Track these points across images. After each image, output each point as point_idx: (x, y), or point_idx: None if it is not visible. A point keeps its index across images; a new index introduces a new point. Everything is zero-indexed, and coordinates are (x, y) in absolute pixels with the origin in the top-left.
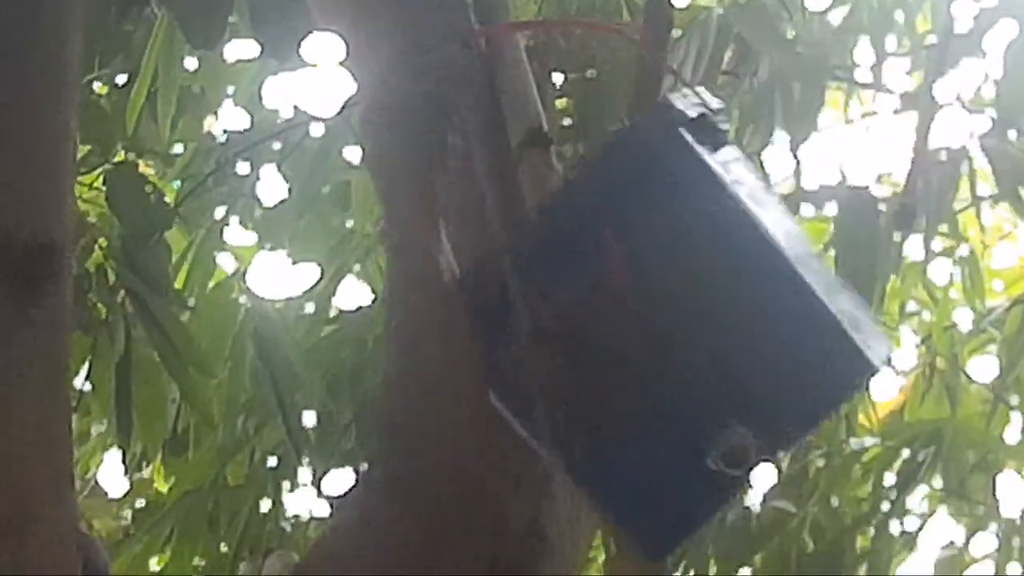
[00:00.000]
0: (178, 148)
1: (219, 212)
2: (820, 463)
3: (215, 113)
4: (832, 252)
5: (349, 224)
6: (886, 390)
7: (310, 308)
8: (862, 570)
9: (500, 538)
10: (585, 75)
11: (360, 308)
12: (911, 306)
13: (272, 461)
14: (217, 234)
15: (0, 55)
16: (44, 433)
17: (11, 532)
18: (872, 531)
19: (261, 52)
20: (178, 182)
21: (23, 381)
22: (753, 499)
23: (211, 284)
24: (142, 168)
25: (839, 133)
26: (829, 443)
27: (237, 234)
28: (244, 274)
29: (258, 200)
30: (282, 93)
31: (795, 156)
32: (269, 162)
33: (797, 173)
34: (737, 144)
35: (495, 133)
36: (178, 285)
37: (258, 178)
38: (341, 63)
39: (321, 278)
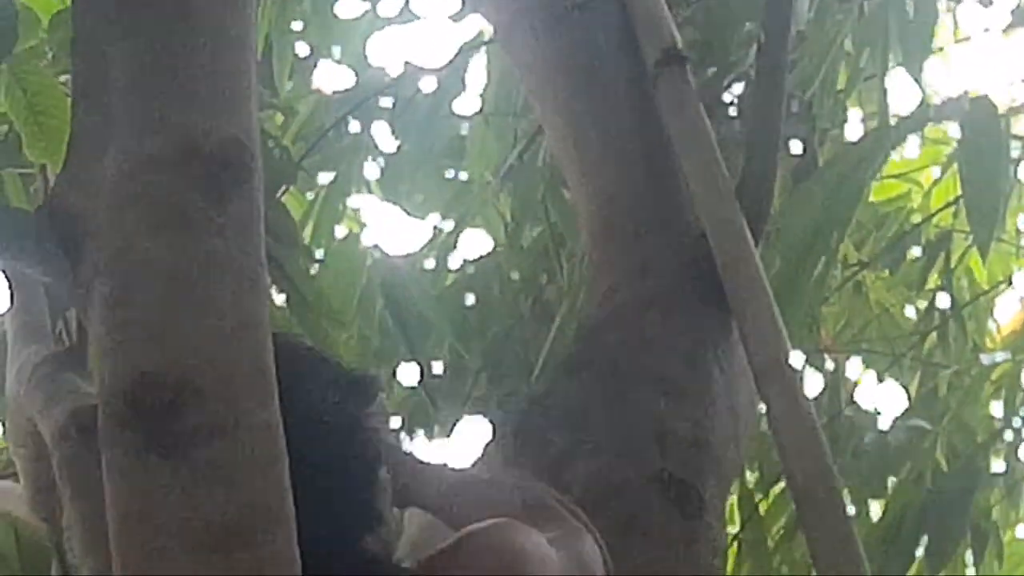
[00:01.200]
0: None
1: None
2: (950, 382)
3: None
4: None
5: (464, 176)
6: (1008, 309)
7: (430, 264)
8: (996, 491)
9: (665, 448)
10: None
11: (482, 256)
12: None
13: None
14: (340, 188)
15: None
16: (246, 336)
17: (217, 434)
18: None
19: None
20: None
21: (220, 286)
22: (885, 423)
23: (338, 238)
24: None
25: (951, 52)
26: (957, 361)
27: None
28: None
29: (379, 151)
30: (390, 49)
31: (916, 79)
32: (380, 119)
33: (920, 93)
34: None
35: (629, 53)
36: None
37: (370, 136)
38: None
39: (440, 230)
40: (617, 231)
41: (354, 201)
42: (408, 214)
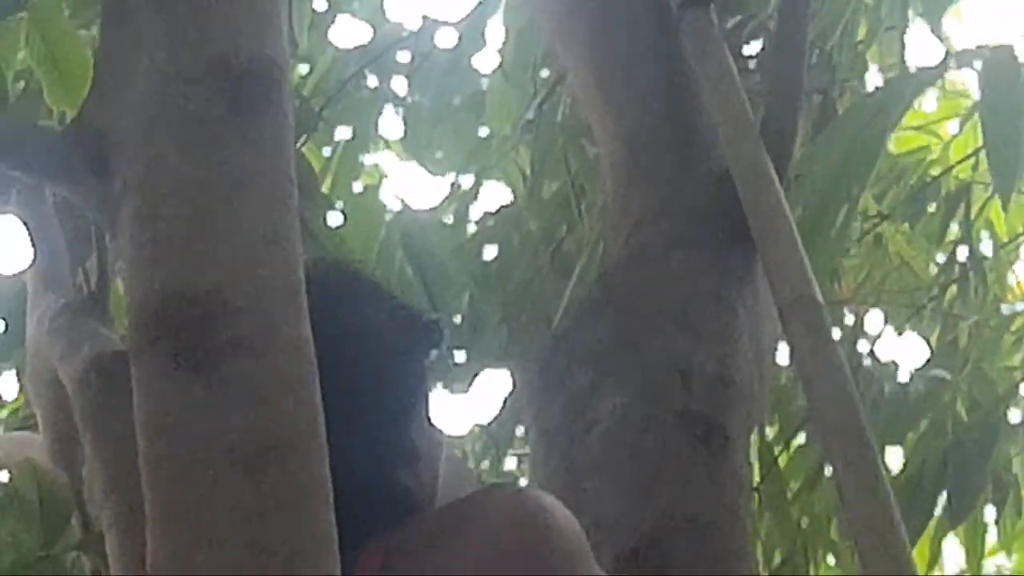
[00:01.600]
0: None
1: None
2: (970, 333)
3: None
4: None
5: (483, 132)
6: None
7: (450, 220)
8: (1017, 442)
9: (690, 385)
10: None
11: (503, 207)
12: None
13: None
14: (358, 145)
15: None
16: (276, 252)
17: (248, 350)
18: None
19: None
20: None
21: (250, 201)
22: (905, 376)
23: (357, 190)
24: None
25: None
26: (978, 313)
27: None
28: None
29: (401, 101)
30: (408, 4)
31: (935, 31)
32: (398, 75)
33: (939, 45)
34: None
35: None
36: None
37: (390, 89)
38: None
39: (459, 186)
40: (640, 171)
41: (372, 158)
42: (428, 170)
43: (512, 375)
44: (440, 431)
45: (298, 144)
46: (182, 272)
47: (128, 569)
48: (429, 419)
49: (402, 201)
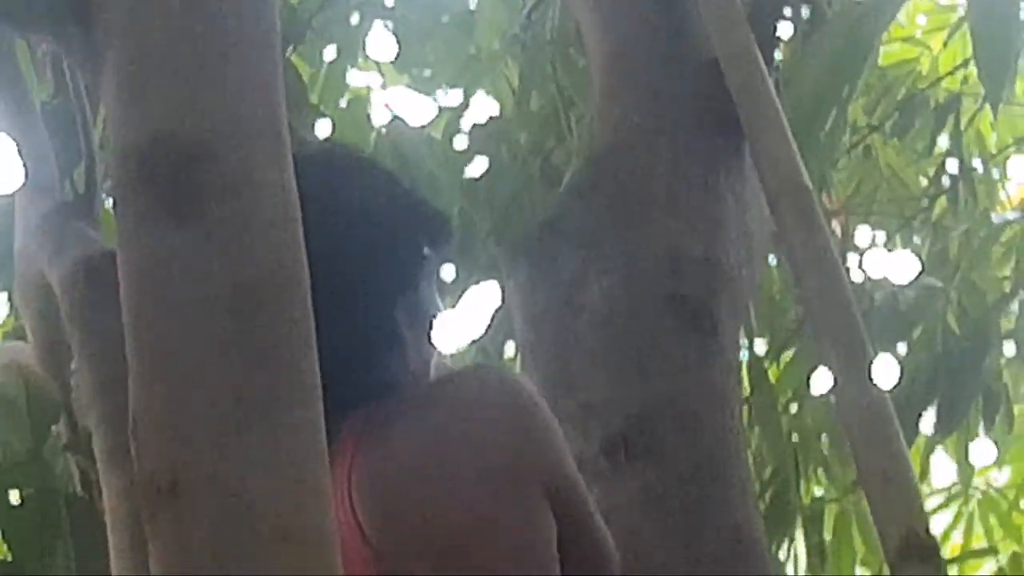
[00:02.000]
0: None
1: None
2: (960, 244)
3: None
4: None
5: (472, 51)
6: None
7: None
8: (1007, 349)
9: (678, 269)
10: None
11: (492, 118)
12: None
13: None
14: (343, 64)
15: None
16: (260, 98)
17: (231, 193)
18: (1016, 311)
19: None
20: None
21: (234, 48)
22: (897, 284)
23: (346, 101)
24: None
25: None
26: (969, 220)
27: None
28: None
29: (389, 13)
30: None
31: None
32: None
33: None
34: None
35: None
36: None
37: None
38: None
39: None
40: (628, 61)
41: (361, 78)
42: (415, 89)
43: (498, 262)
44: (434, 345)
45: (286, 54)
46: (165, 117)
47: (116, 468)
48: (429, 334)
49: (391, 113)
